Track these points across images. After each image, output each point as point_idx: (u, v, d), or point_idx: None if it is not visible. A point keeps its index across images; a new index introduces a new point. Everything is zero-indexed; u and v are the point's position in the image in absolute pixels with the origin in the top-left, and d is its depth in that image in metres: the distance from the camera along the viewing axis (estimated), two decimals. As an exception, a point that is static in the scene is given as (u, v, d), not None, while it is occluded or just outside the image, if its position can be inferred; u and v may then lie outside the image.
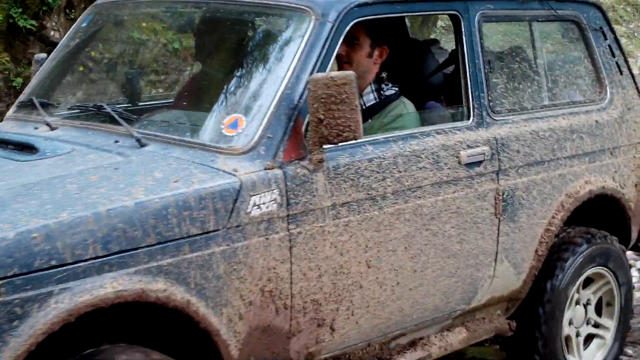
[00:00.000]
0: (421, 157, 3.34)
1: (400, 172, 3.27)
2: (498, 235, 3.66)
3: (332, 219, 3.08)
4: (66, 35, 3.95)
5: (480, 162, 3.56)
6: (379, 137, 3.32)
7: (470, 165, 3.53)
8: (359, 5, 3.25)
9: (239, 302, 2.87)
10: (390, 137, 3.33)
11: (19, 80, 7.11)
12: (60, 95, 3.76)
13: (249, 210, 2.87)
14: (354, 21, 3.26)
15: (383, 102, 3.69)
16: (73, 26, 3.94)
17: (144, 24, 4.55)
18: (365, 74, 3.72)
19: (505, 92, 3.76)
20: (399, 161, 3.27)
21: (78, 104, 3.59)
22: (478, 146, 3.54)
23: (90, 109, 3.44)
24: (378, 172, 3.20)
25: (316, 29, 3.16)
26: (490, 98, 3.66)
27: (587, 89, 4.17)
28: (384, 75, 3.75)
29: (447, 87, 3.93)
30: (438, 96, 3.88)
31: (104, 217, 2.57)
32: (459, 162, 3.47)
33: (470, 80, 3.61)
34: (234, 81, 3.30)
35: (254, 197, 2.88)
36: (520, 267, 3.79)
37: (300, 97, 3.07)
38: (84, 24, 3.89)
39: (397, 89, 3.73)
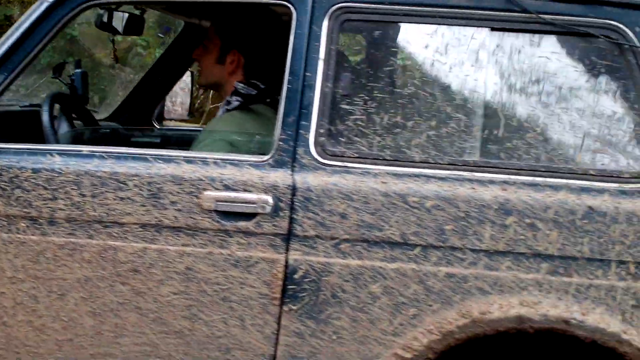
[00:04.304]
0: (126, 185, 2.69)
1: (83, 196, 2.70)
2: (278, 331, 2.66)
3: None
4: None
5: (251, 215, 2.63)
6: (82, 148, 2.78)
7: (226, 215, 2.66)
8: None
9: None
10: (99, 151, 2.77)
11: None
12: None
13: None
14: (86, 4, 2.81)
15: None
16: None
17: None
18: (220, 84, 3.13)
19: (370, 129, 2.66)
20: (83, 182, 2.70)
21: None
22: (249, 191, 2.63)
23: None
24: (45, 189, 2.72)
25: (36, 7, 2.87)
26: (322, 131, 2.65)
27: (614, 153, 2.58)
28: (238, 86, 3.05)
29: None
30: None
31: None
32: (201, 207, 2.64)
33: (286, 100, 2.68)
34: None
35: None
36: None
37: None
38: None
39: (239, 102, 3.00)
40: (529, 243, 2.55)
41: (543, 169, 2.60)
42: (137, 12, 3.84)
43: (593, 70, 2.62)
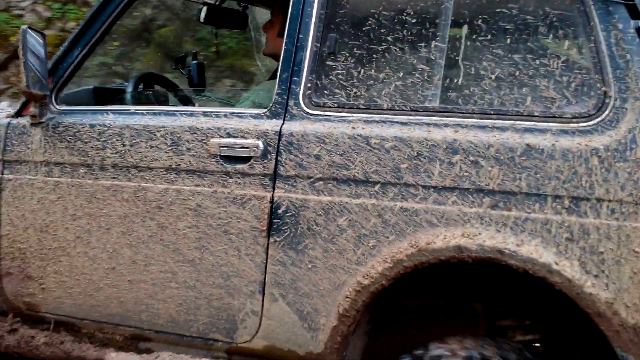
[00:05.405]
0: (155, 135, 3.38)
1: (124, 145, 3.43)
2: (266, 261, 3.20)
3: (43, 176, 3.59)
4: None
5: (247, 158, 3.23)
6: (134, 108, 3.52)
7: (227, 159, 3.25)
8: None
9: (-47, 224, 3.79)
10: (142, 109, 3.49)
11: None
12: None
13: None
14: None
15: None
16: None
17: None
18: (278, 55, 3.77)
19: (347, 82, 3.14)
20: (125, 133, 3.43)
21: None
22: (245, 138, 3.24)
23: None
24: (98, 140, 3.47)
25: None
26: (310, 85, 3.16)
27: (559, 96, 2.89)
28: None
29: None
30: None
31: None
32: (208, 152, 3.29)
33: (283, 59, 3.26)
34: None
35: None
36: (314, 322, 3.12)
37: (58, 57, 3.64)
38: None
39: None
40: (472, 179, 2.84)
41: (493, 112, 2.88)
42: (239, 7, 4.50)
43: (544, 18, 2.88)
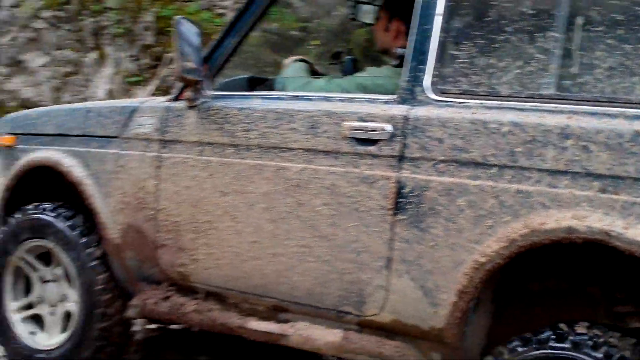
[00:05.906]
0: (294, 118, 3.71)
1: (268, 127, 3.79)
2: (392, 237, 3.50)
3: (196, 155, 4.01)
4: None
5: (376, 140, 3.52)
6: (277, 93, 3.90)
7: (359, 141, 3.52)
8: None
9: (118, 198, 4.28)
10: (285, 95, 3.85)
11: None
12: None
13: (133, 128, 4.26)
14: None
15: None
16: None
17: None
18: (388, 49, 4.09)
19: (470, 70, 3.37)
20: (268, 116, 3.80)
21: None
22: (375, 121, 3.55)
23: None
24: (245, 123, 3.86)
25: None
26: (436, 73, 3.40)
27: None
28: (398, 50, 3.96)
29: None
30: None
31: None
32: (342, 134, 3.60)
33: (411, 49, 3.51)
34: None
35: (139, 118, 4.24)
36: (436, 297, 3.36)
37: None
38: None
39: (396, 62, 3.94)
40: (583, 163, 3.03)
41: (604, 100, 3.06)
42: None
43: None
